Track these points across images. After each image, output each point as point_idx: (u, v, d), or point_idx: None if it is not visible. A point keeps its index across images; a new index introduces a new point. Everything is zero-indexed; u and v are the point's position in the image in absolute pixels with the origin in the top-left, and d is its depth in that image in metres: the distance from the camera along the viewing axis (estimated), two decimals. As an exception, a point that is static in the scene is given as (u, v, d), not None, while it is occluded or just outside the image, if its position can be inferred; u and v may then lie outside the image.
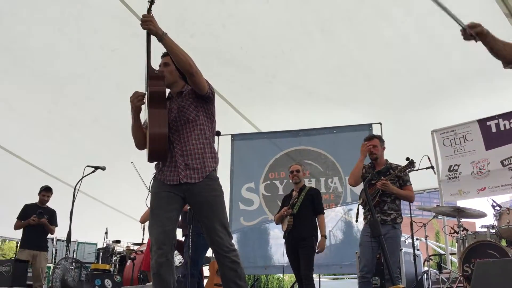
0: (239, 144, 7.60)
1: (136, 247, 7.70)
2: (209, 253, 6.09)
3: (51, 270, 9.11)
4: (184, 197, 2.91)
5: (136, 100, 2.88)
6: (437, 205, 6.04)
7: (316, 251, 4.92)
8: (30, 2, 5.57)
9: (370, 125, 6.94)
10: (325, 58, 6.45)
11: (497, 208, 5.10)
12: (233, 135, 7.54)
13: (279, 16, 5.79)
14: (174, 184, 2.88)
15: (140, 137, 2.98)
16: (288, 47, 6.30)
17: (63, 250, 9.82)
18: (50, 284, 5.85)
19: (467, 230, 5.37)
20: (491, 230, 4.99)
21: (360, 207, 4.65)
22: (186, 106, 2.97)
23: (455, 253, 6.46)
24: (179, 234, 5.70)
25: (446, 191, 6.89)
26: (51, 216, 6.79)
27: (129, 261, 6.74)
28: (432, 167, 5.20)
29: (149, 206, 2.95)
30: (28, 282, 6.52)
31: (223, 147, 6.71)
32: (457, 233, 5.27)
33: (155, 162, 3.01)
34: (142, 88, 2.93)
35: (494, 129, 6.51)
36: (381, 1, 5.49)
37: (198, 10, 5.71)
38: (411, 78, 6.70)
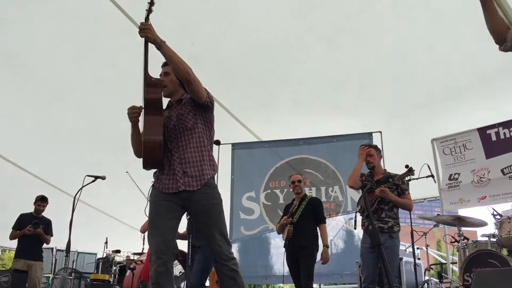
0: (239, 153, 7.60)
1: (136, 257, 7.67)
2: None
3: (50, 280, 9.08)
4: (183, 205, 2.90)
5: (131, 116, 2.91)
6: (438, 214, 6.01)
7: (320, 262, 4.89)
8: (30, 13, 5.61)
9: (370, 134, 6.94)
10: (326, 67, 6.48)
11: (498, 217, 5.08)
12: (233, 144, 7.55)
13: (280, 25, 5.82)
14: (173, 192, 2.87)
15: (139, 146, 2.98)
16: (289, 56, 6.33)
17: (62, 260, 9.77)
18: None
19: (468, 239, 5.34)
20: (492, 239, 4.96)
21: (358, 214, 4.65)
22: (185, 114, 2.97)
23: (456, 262, 6.42)
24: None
25: (447, 199, 6.87)
26: (47, 226, 6.75)
27: (128, 271, 6.70)
28: (432, 176, 5.21)
29: (148, 215, 2.94)
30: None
31: (223, 156, 6.72)
32: (458, 242, 5.25)
33: (154, 171, 3.01)
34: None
35: (494, 138, 6.50)
36: (381, 12, 5.53)
37: (199, 19, 5.74)
38: (411, 87, 6.72)
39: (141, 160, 3.04)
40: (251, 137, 8.02)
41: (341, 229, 6.98)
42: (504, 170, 6.30)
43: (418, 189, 5.97)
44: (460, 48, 5.88)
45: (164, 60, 2.94)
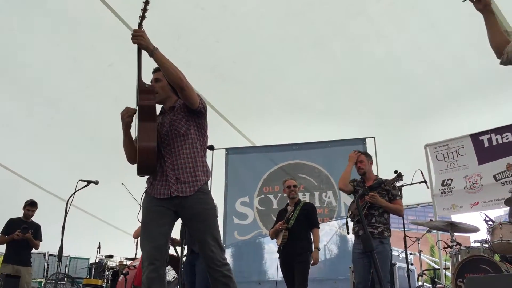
0: (233, 158, 7.59)
1: (129, 262, 7.62)
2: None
3: (42, 285, 9.01)
4: (176, 211, 2.90)
5: (126, 116, 2.89)
6: (431, 220, 6.03)
7: (311, 263, 4.90)
8: (25, 18, 5.60)
9: (364, 139, 6.97)
10: (319, 72, 6.51)
11: (490, 222, 5.10)
12: (227, 149, 7.54)
13: (273, 31, 5.85)
14: (165, 198, 2.87)
15: (131, 151, 2.97)
16: (282, 62, 6.35)
17: (55, 265, 9.70)
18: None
19: (460, 244, 5.36)
20: (484, 245, 4.98)
21: (349, 219, 4.68)
22: (178, 120, 2.97)
23: (449, 268, 6.45)
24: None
25: (440, 205, 6.90)
26: (36, 230, 6.69)
27: (121, 276, 6.65)
28: (425, 181, 5.24)
29: (141, 221, 2.93)
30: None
31: (217, 161, 6.70)
32: (451, 247, 5.27)
33: (147, 177, 3.00)
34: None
35: (486, 144, 6.55)
36: (375, 18, 5.57)
37: (193, 24, 5.75)
38: (404, 93, 6.76)
39: (132, 165, 3.04)
40: (245, 142, 8.03)
41: (334, 235, 6.99)
42: (497, 176, 6.34)
43: (411, 195, 5.99)
44: (453, 55, 5.93)
45: (155, 66, 2.94)
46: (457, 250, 5.16)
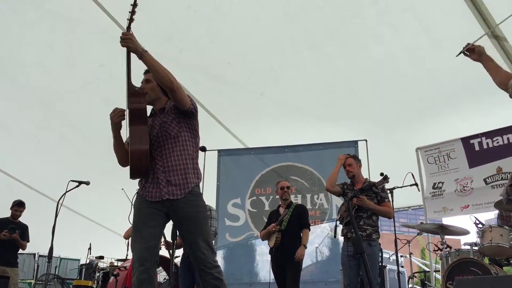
0: (225, 159, 7.59)
1: (119, 263, 7.58)
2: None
3: (31, 286, 8.93)
4: (167, 213, 2.90)
5: (116, 117, 2.87)
6: (422, 222, 6.07)
7: (295, 257, 4.87)
8: (21, 18, 5.56)
9: (356, 142, 7.00)
10: (313, 75, 6.52)
11: (480, 225, 5.13)
12: (219, 151, 7.54)
13: (268, 33, 5.85)
14: (157, 200, 2.87)
15: (122, 154, 2.96)
16: (276, 64, 6.36)
17: (44, 265, 9.62)
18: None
19: (450, 247, 5.39)
20: (474, 248, 5.02)
21: (338, 222, 4.69)
22: (168, 122, 2.96)
23: (439, 270, 6.48)
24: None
25: (431, 208, 6.94)
26: (23, 231, 6.62)
27: (112, 278, 6.62)
28: (416, 184, 5.26)
29: (132, 222, 2.92)
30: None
31: (209, 162, 6.71)
32: (441, 250, 5.30)
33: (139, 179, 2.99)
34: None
35: (477, 148, 6.59)
36: (370, 20, 5.59)
37: (187, 26, 5.74)
38: (397, 96, 6.80)
39: (122, 167, 3.03)
40: (237, 143, 8.03)
41: (326, 237, 7.00)
42: (487, 179, 6.39)
43: (402, 198, 6.02)
44: (445, 60, 5.96)
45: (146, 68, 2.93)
46: (447, 252, 5.19)
